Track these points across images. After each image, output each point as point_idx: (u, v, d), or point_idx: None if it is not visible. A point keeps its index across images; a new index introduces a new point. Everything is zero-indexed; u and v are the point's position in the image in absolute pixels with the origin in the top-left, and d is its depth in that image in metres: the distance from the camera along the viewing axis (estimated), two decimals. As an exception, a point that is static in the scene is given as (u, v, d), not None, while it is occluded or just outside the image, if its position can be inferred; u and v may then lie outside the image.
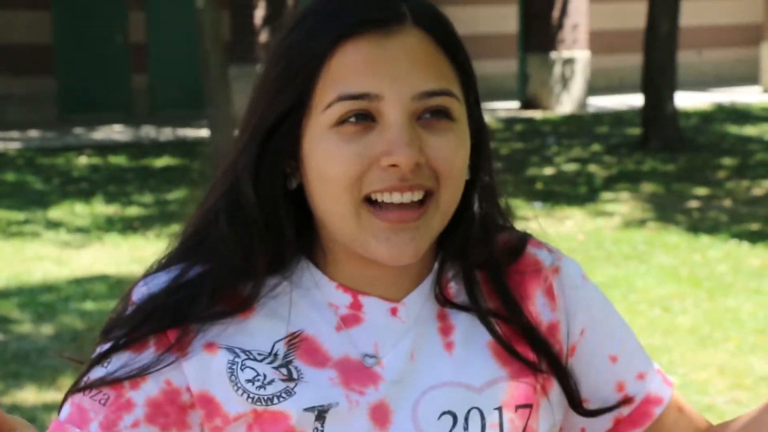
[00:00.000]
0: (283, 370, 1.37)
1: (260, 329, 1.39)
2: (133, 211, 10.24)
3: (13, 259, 8.39)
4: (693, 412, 1.56)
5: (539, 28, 18.03)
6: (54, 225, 9.59)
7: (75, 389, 1.39)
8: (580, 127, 15.94)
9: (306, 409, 1.35)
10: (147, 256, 1.55)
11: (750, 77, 21.59)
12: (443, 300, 1.43)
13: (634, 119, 15.71)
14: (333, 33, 1.34)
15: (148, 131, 15.88)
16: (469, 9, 19.75)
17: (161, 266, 1.43)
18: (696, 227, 9.31)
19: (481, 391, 1.40)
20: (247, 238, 1.38)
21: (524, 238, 1.49)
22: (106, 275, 7.81)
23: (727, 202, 10.46)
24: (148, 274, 1.43)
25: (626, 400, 1.50)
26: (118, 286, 7.19)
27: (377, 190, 1.33)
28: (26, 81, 17.16)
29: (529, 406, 1.42)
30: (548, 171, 12.39)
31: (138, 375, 1.36)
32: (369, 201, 1.34)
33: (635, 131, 14.71)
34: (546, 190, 11.17)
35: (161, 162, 13.09)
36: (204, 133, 14.31)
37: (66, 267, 8.11)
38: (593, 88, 18.82)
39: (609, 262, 8.14)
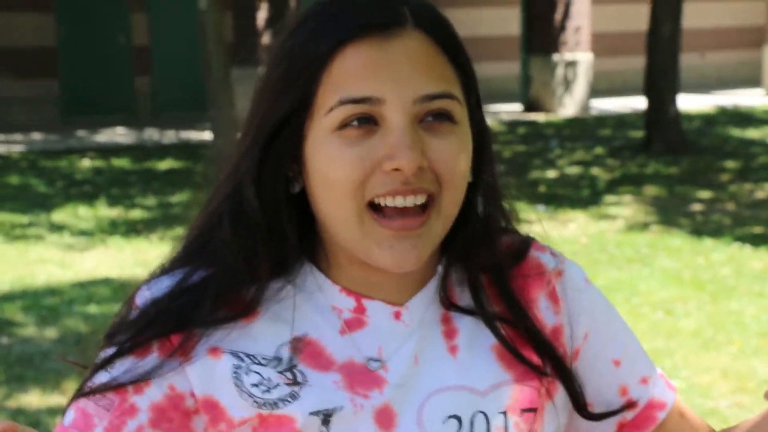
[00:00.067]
0: (288, 374, 1.37)
1: (264, 333, 1.39)
2: (136, 213, 10.25)
3: (17, 262, 8.39)
4: (695, 416, 1.56)
5: (542, 31, 18.03)
6: (57, 228, 9.59)
7: (79, 394, 1.39)
8: (583, 129, 15.94)
9: (311, 413, 1.35)
10: (150, 259, 1.55)
11: (753, 80, 21.58)
12: (448, 303, 1.43)
13: (637, 122, 15.71)
14: (334, 37, 1.34)
15: (151, 134, 15.89)
16: (472, 11, 19.75)
17: (165, 270, 1.43)
18: (699, 230, 9.30)
19: (486, 395, 1.40)
20: (249, 242, 1.38)
21: (527, 242, 1.49)
22: (110, 278, 7.81)
23: (730, 206, 10.45)
24: (152, 278, 1.43)
25: (629, 404, 1.50)
26: (122, 289, 7.19)
27: (380, 194, 1.33)
28: (29, 83, 17.17)
29: (533, 410, 1.41)
30: (551, 174, 12.39)
31: (141, 380, 1.36)
32: (372, 206, 1.34)
33: (638, 134, 14.71)
34: (549, 193, 11.17)
35: (164, 164, 13.09)
36: (207, 135, 14.31)
37: (69, 270, 8.12)
38: (596, 91, 18.82)
39: (612, 265, 8.13)
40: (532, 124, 16.67)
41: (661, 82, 13.42)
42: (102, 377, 1.38)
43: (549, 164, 13.00)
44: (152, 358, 1.37)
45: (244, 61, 15.24)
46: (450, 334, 1.42)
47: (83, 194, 11.20)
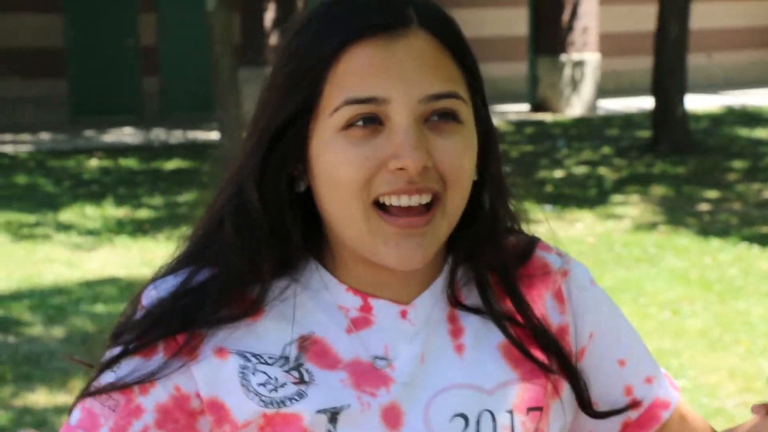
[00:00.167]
0: (295, 373, 1.37)
1: (269, 332, 1.39)
2: (143, 213, 10.26)
3: (24, 261, 8.40)
4: (698, 417, 1.56)
5: (549, 31, 18.01)
6: (65, 227, 9.60)
7: (85, 394, 1.39)
8: (590, 129, 15.93)
9: (319, 411, 1.36)
10: (157, 259, 1.55)
11: (760, 80, 21.55)
12: (455, 302, 1.43)
13: (644, 122, 15.70)
14: (339, 37, 1.34)
15: (159, 134, 15.91)
16: (479, 12, 19.74)
17: (170, 269, 1.43)
18: (706, 230, 9.30)
19: (492, 394, 1.40)
20: (253, 243, 1.38)
21: (533, 242, 1.50)
22: (117, 278, 7.83)
23: (738, 205, 10.44)
24: (158, 277, 1.43)
25: (634, 404, 1.50)
26: (129, 288, 7.21)
27: (385, 193, 1.34)
28: (38, 84, 17.20)
29: (539, 408, 1.42)
30: (558, 174, 12.39)
31: (147, 380, 1.37)
32: (377, 205, 1.35)
33: (645, 134, 14.70)
34: (556, 193, 11.17)
35: (171, 164, 13.11)
36: (214, 135, 14.33)
37: (77, 269, 8.13)
38: (603, 91, 18.80)
39: (619, 265, 8.13)
40: (540, 124, 16.67)
41: (668, 82, 13.41)
42: (108, 377, 1.38)
43: (556, 164, 13.00)
44: (158, 358, 1.38)
45: (251, 61, 15.25)
46: (456, 332, 1.43)
47: (91, 194, 11.22)
